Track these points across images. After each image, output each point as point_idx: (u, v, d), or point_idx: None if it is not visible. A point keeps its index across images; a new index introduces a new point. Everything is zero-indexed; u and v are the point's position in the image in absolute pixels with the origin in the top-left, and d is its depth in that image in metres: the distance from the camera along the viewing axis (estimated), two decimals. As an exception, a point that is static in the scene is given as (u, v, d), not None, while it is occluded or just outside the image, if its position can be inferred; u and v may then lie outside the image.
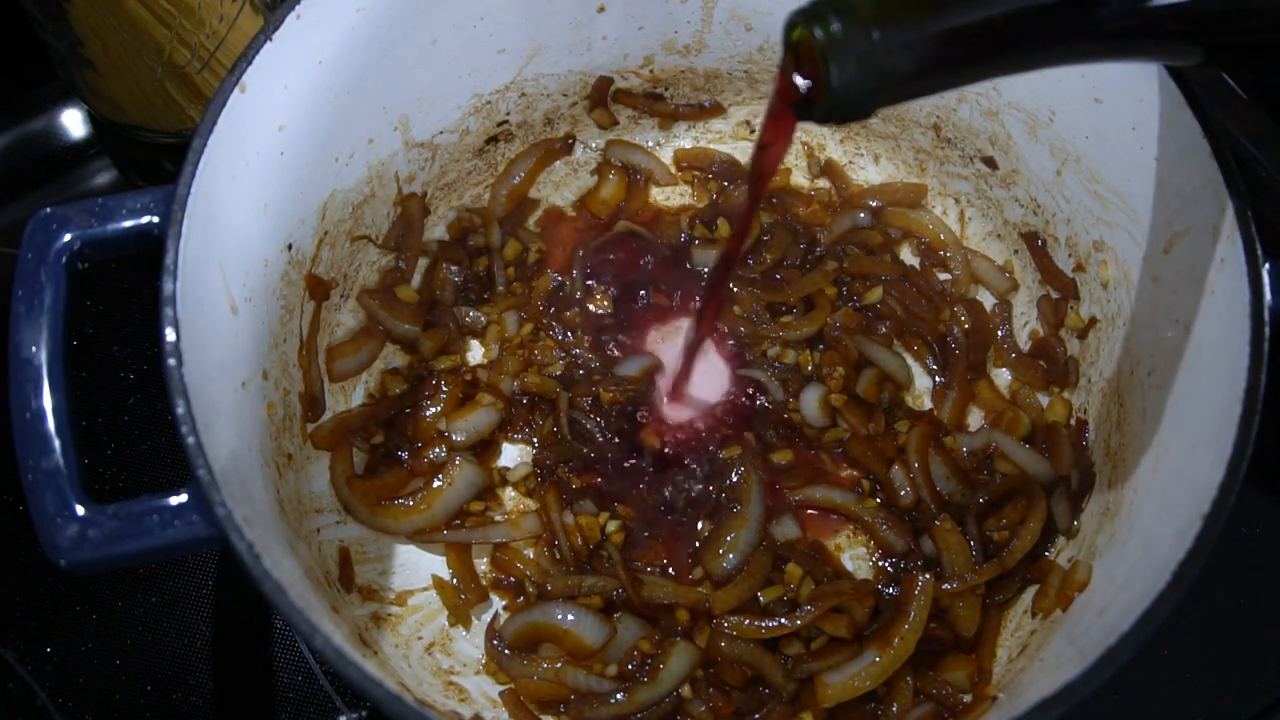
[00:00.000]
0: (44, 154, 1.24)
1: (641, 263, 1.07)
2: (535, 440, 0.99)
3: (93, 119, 1.24)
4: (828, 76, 0.55)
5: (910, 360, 1.03)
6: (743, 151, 1.15)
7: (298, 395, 0.92)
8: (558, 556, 0.93)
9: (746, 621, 0.87)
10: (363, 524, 0.93)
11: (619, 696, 0.85)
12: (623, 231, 1.08)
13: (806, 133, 1.15)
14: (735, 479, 0.95)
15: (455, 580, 0.93)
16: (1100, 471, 0.89)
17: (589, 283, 1.05)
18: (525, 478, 0.97)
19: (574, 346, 1.02)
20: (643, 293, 1.05)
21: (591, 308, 1.04)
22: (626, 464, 0.97)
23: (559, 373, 1.00)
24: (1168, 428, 0.79)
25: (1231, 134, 1.19)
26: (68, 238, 0.73)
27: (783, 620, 0.86)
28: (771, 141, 0.69)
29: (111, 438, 1.05)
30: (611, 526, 0.93)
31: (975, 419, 1.00)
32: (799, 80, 0.58)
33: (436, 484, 0.94)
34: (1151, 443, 0.81)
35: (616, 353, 1.02)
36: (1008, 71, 0.59)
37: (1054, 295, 1.01)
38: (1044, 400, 0.99)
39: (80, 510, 0.67)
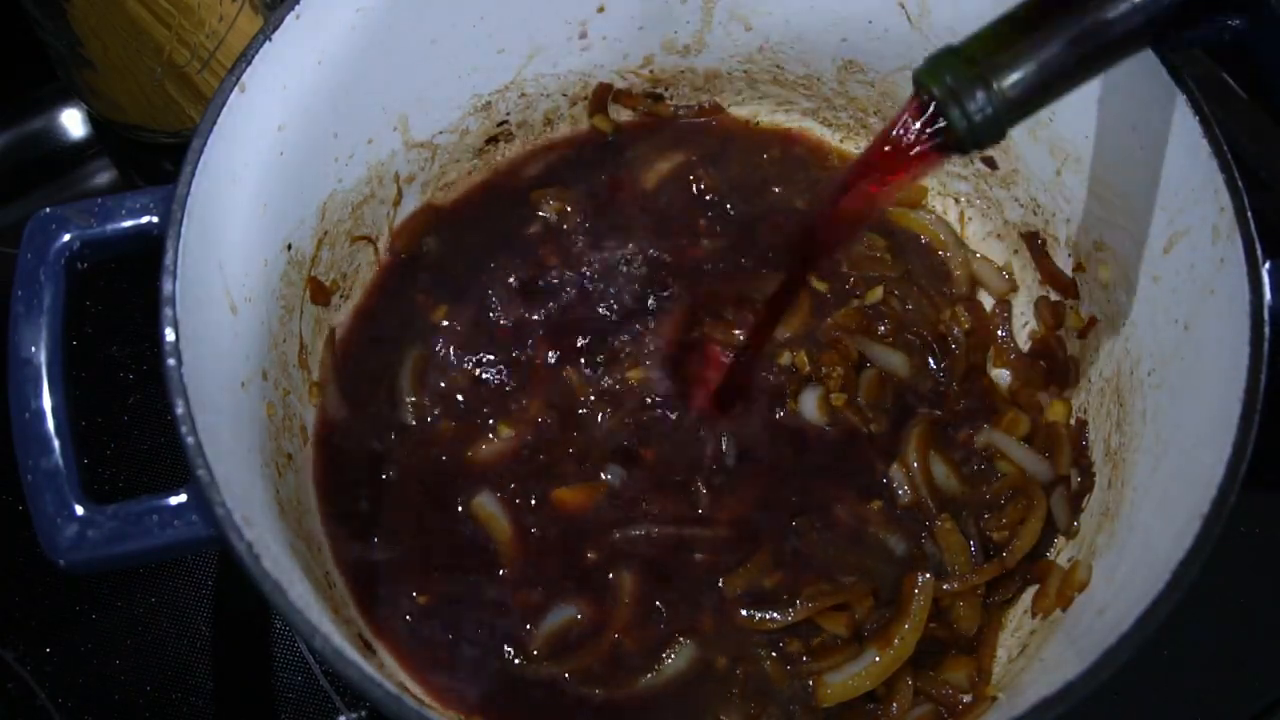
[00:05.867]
0: (44, 154, 1.24)
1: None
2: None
3: (92, 119, 1.24)
4: (952, 121, 0.66)
5: (910, 360, 1.03)
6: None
7: (299, 400, 0.92)
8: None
9: (743, 613, 0.87)
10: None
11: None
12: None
13: (806, 133, 1.15)
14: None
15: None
16: (1100, 471, 0.89)
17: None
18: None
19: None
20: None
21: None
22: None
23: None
24: (1168, 428, 0.79)
25: (1231, 134, 1.19)
26: (67, 238, 0.73)
27: (775, 614, 0.86)
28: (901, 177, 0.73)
29: (111, 438, 1.05)
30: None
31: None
32: (932, 124, 0.68)
33: None
34: (1151, 443, 0.81)
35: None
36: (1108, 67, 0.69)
37: (1054, 295, 1.01)
38: (1044, 400, 0.99)
39: (80, 510, 0.67)
